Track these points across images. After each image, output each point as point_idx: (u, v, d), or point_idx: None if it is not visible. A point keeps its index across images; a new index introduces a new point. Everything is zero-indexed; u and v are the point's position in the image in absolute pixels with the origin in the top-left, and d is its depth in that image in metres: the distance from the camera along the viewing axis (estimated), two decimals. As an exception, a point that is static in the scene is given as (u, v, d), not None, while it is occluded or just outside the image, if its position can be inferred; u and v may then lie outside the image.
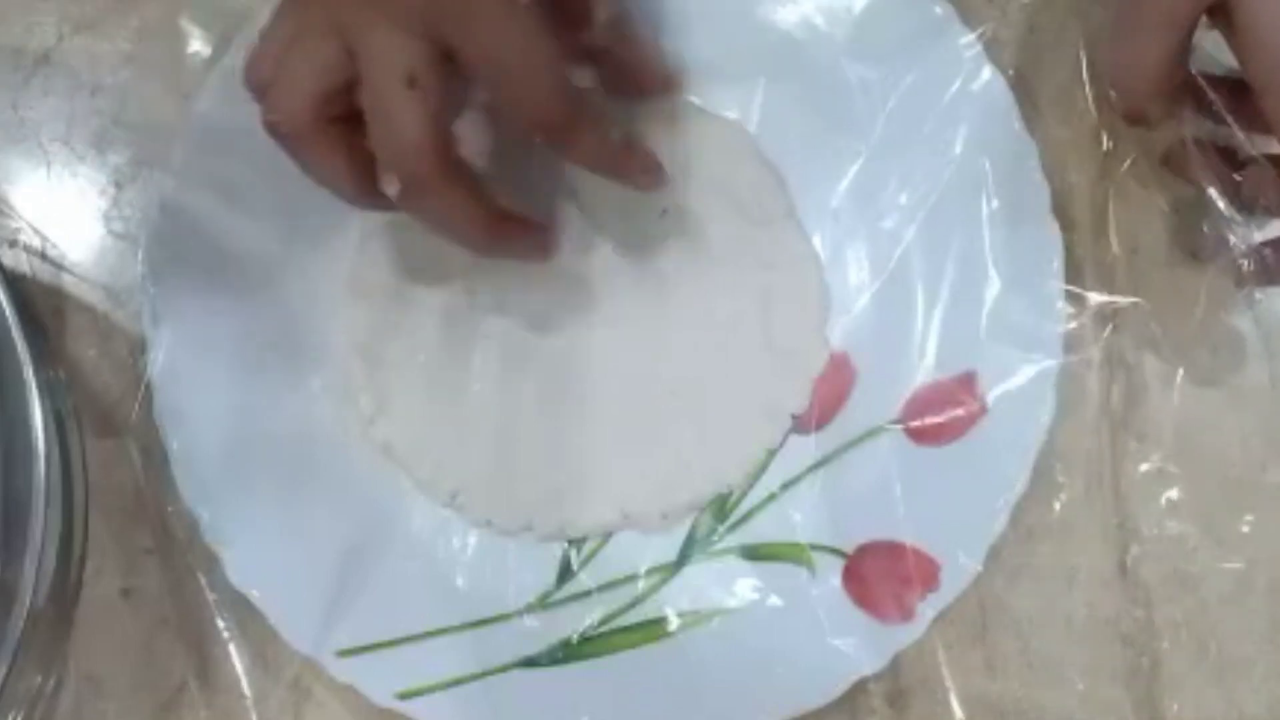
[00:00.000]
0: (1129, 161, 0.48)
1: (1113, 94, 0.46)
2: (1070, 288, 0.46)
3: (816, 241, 0.48)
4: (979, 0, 0.49)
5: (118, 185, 0.49)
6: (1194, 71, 0.44)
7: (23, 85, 0.49)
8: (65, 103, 0.49)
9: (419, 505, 0.46)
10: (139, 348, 0.47)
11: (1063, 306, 0.46)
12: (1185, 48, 0.43)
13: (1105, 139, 0.48)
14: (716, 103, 0.49)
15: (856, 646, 0.44)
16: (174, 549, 0.46)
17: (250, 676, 0.45)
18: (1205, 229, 0.45)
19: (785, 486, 0.46)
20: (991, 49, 0.47)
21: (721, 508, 0.46)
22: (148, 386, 0.46)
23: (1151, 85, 0.43)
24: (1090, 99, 0.49)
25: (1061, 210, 0.47)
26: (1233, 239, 0.44)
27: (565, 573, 0.46)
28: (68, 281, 0.48)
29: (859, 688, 0.44)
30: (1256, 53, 0.41)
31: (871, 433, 0.46)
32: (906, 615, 0.44)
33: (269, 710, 0.45)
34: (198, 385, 0.46)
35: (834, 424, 0.46)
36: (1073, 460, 0.46)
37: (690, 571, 0.46)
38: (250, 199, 0.47)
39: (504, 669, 0.44)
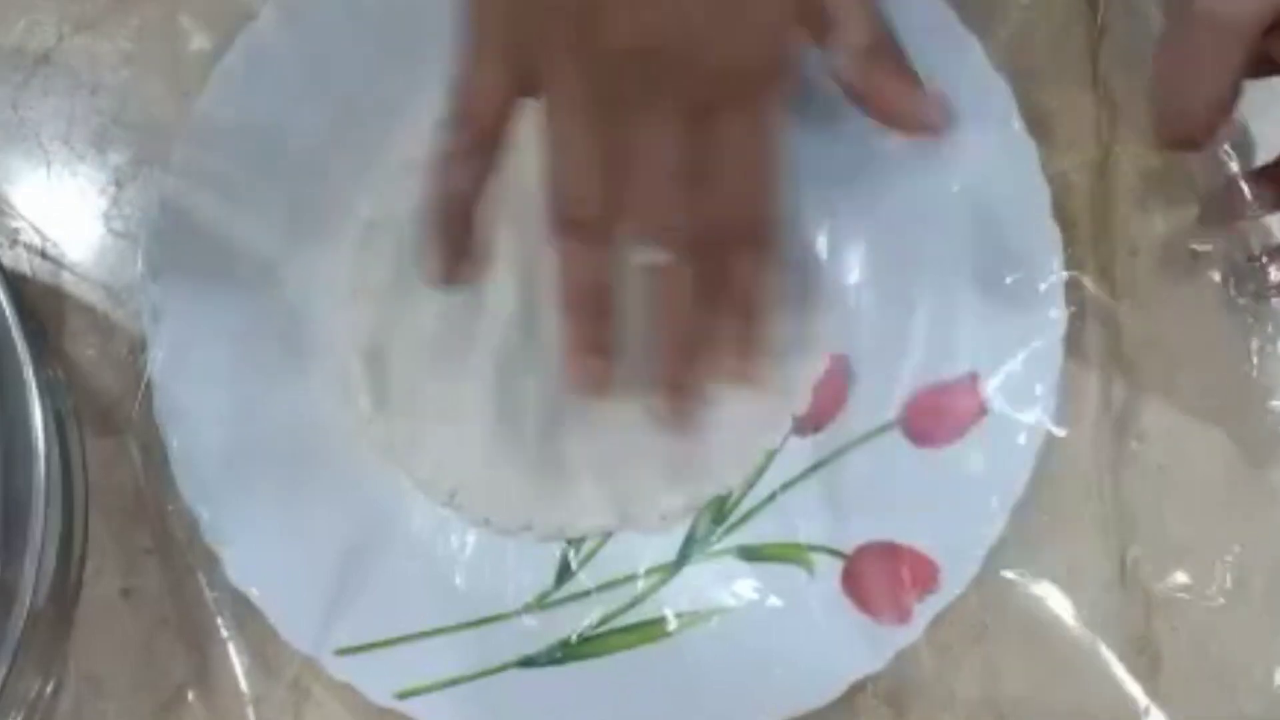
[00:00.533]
0: (1129, 162, 0.48)
1: (1159, 121, 0.42)
2: (1070, 287, 0.46)
3: (816, 242, 0.48)
4: (979, 0, 0.49)
5: (118, 184, 0.49)
6: None
7: (23, 85, 0.49)
8: (65, 102, 0.49)
9: (418, 504, 0.46)
10: (139, 346, 0.47)
11: (1063, 307, 0.46)
12: (1244, 69, 0.40)
13: (1105, 139, 0.48)
14: (717, 102, 0.49)
15: (855, 647, 0.44)
16: (174, 549, 0.46)
17: (250, 676, 0.45)
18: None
19: (785, 487, 0.46)
20: (991, 49, 0.47)
21: (721, 508, 0.46)
22: (148, 385, 0.46)
23: (1209, 112, 0.41)
24: (1092, 100, 0.49)
25: (1061, 210, 0.47)
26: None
27: (564, 573, 0.46)
28: (68, 281, 0.48)
29: (858, 688, 0.44)
30: None
31: (871, 434, 0.46)
32: (905, 616, 0.44)
33: (268, 710, 0.45)
34: (197, 384, 0.46)
35: (833, 425, 0.46)
36: (1073, 460, 0.46)
37: (689, 572, 0.46)
38: (250, 198, 0.47)
39: (502, 668, 0.44)
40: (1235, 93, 0.40)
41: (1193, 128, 0.41)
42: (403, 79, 0.48)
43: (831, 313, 0.47)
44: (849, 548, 0.45)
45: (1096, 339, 0.47)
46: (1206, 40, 0.40)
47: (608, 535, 0.46)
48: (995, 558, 0.45)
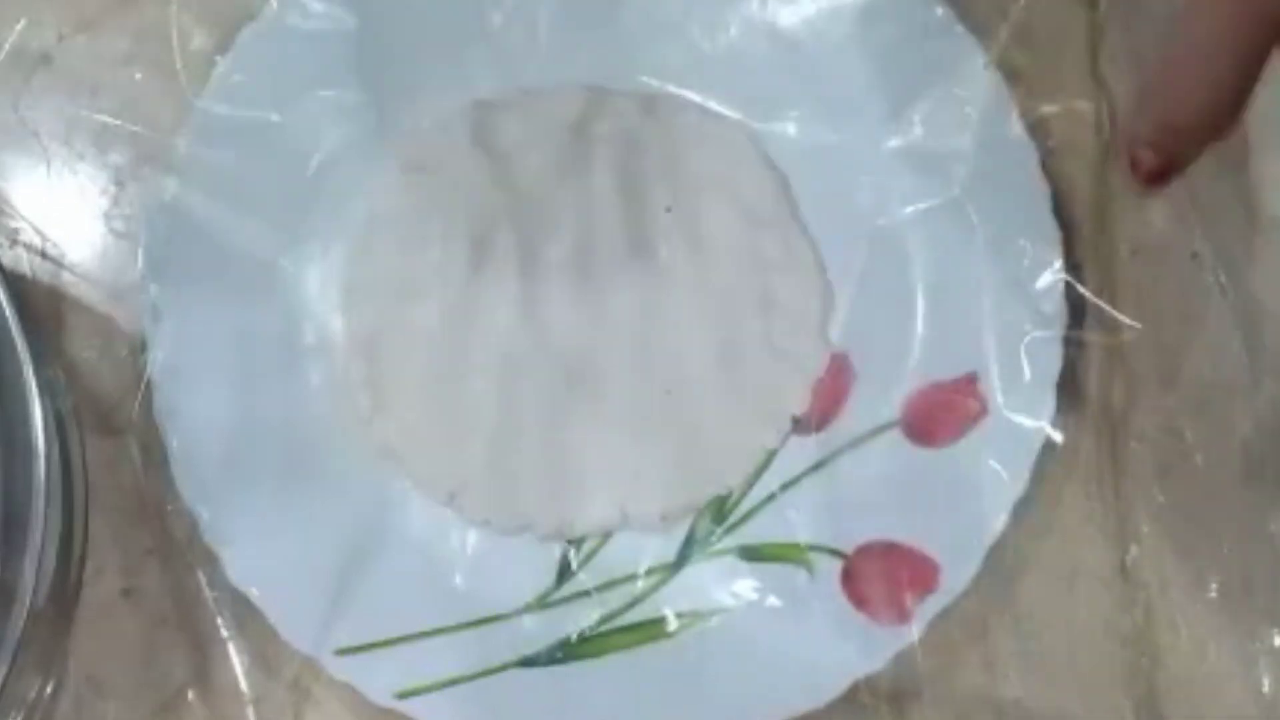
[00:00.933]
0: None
1: (1147, 136, 0.37)
2: (1070, 288, 0.46)
3: (817, 241, 0.48)
4: (979, 0, 0.49)
5: (118, 185, 0.49)
6: None
7: (23, 85, 0.49)
8: (65, 102, 0.49)
9: (418, 504, 0.46)
10: (139, 347, 0.46)
11: (1062, 307, 0.46)
12: (1255, 73, 0.34)
13: (1105, 139, 0.48)
14: (718, 102, 0.49)
15: (855, 647, 0.44)
16: (174, 549, 0.46)
17: (250, 676, 0.45)
18: None
19: (785, 487, 0.46)
20: (991, 49, 0.47)
21: (721, 508, 0.46)
22: (148, 385, 0.46)
23: (1205, 122, 0.35)
24: (1091, 99, 0.49)
25: (1061, 210, 0.47)
26: None
27: (564, 572, 0.46)
28: (68, 281, 0.48)
29: (858, 688, 0.44)
30: None
31: (871, 433, 0.46)
32: (905, 616, 0.44)
33: (268, 710, 0.45)
34: (198, 384, 0.46)
35: (834, 425, 0.46)
36: (1073, 460, 0.46)
37: (689, 572, 0.45)
38: (250, 198, 0.47)
39: (502, 668, 0.44)
40: (1238, 101, 0.35)
41: (1185, 146, 0.36)
42: (403, 79, 0.48)
43: (832, 312, 0.47)
44: (849, 548, 0.45)
45: (1096, 339, 0.47)
46: (1207, 37, 0.34)
47: (608, 535, 0.46)
48: (995, 557, 0.45)
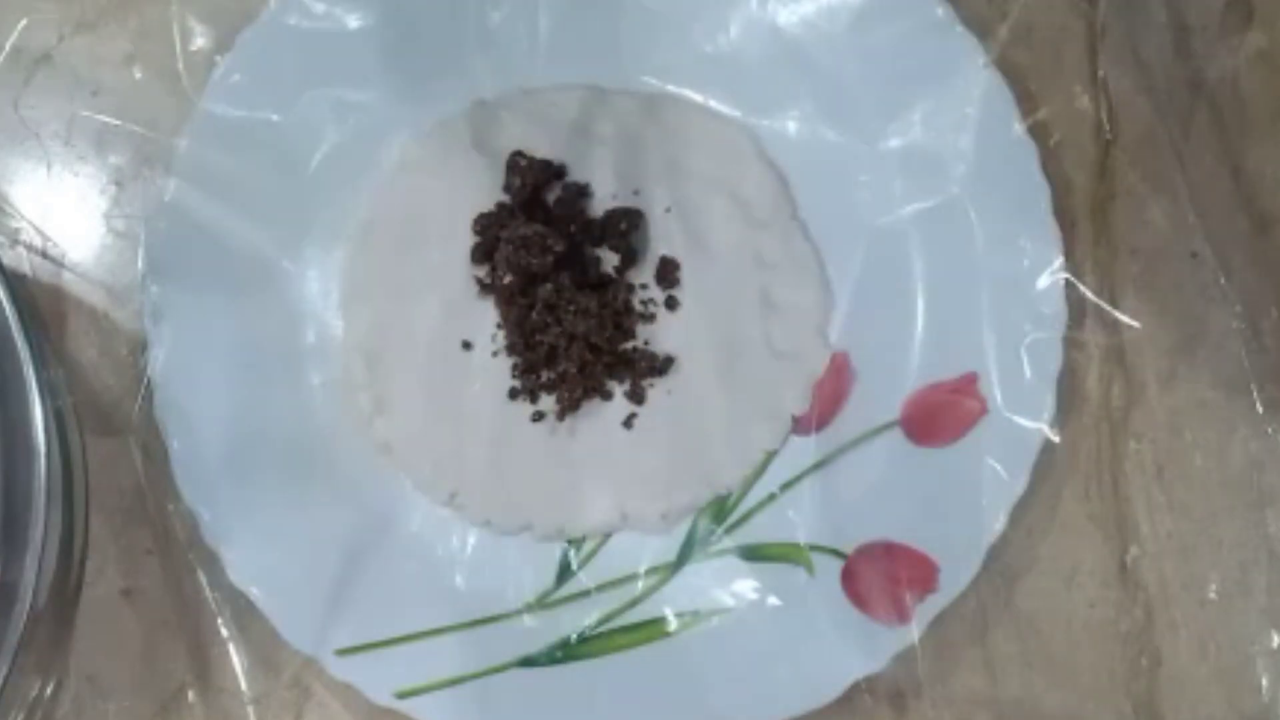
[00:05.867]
0: (1129, 162, 0.48)
1: None
2: (1070, 287, 0.46)
3: (817, 241, 0.48)
4: (979, 0, 0.49)
5: (118, 185, 0.49)
6: None
7: (23, 85, 0.49)
8: (65, 103, 0.49)
9: (418, 505, 0.46)
10: (139, 347, 0.47)
11: (1062, 306, 0.46)
12: None
13: (1105, 139, 0.48)
14: (718, 102, 0.49)
15: (856, 647, 0.44)
16: (174, 549, 0.46)
17: (250, 676, 0.45)
18: None
19: (784, 487, 0.46)
20: (991, 49, 0.47)
21: (721, 508, 0.46)
22: (148, 385, 0.46)
23: None
24: (1091, 99, 0.49)
25: (1061, 210, 0.47)
26: None
27: (564, 573, 0.46)
28: (68, 280, 0.48)
29: (858, 688, 0.44)
30: None
31: (871, 433, 0.46)
32: (905, 616, 0.44)
33: (269, 709, 0.45)
34: (198, 384, 0.46)
35: (834, 425, 0.46)
36: (1073, 460, 0.46)
37: (689, 572, 0.46)
38: (250, 199, 0.47)
39: (503, 668, 0.44)
40: None
41: None
42: (403, 80, 0.48)
43: (832, 312, 0.47)
44: (849, 547, 0.45)
45: (1096, 339, 0.47)
46: None
47: (608, 535, 0.46)
48: (995, 557, 0.45)
